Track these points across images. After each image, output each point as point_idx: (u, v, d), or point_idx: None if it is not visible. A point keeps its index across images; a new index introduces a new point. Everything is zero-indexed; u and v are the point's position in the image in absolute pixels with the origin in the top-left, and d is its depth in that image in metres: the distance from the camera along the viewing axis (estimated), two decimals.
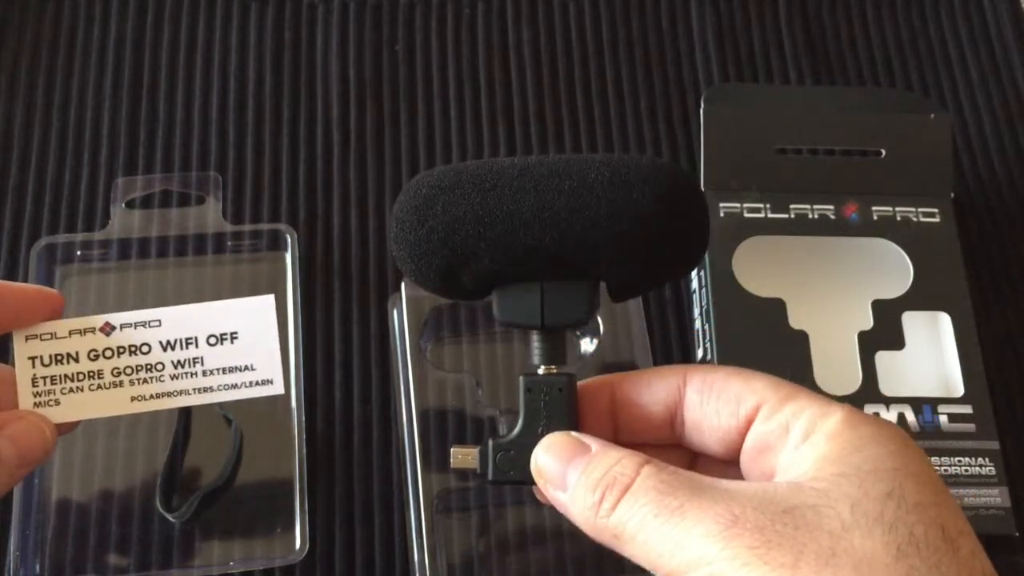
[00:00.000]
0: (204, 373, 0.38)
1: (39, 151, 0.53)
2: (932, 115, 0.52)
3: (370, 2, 0.59)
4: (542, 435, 0.33)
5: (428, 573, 0.43)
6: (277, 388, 0.39)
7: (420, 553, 0.44)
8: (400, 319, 0.48)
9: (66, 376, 0.37)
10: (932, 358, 0.49)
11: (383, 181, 0.54)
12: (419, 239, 0.33)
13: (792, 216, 0.50)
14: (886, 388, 0.47)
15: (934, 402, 0.47)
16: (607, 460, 0.30)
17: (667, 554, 0.27)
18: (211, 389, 0.38)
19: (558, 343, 0.34)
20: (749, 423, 0.31)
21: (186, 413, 0.46)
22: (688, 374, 0.33)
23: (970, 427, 0.46)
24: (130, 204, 0.51)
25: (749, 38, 0.60)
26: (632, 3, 0.60)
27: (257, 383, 0.38)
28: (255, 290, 0.49)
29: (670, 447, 0.34)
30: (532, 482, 0.33)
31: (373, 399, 0.49)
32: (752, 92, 0.56)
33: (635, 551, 0.29)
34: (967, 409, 0.47)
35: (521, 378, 0.34)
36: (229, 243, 0.50)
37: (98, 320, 0.38)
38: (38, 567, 0.43)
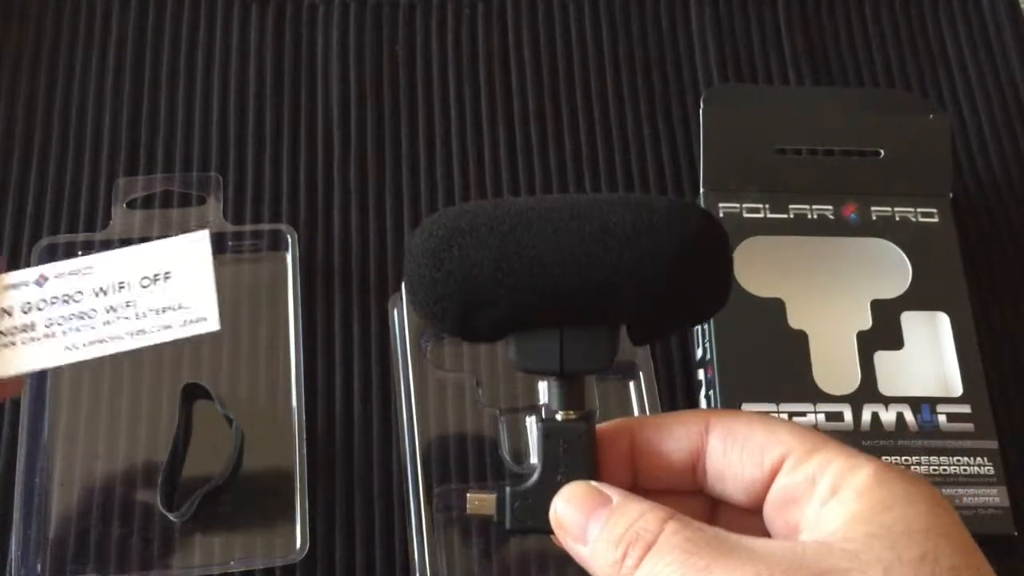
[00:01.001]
0: (137, 316, 0.37)
1: (40, 151, 0.53)
2: (931, 115, 0.52)
3: (370, 3, 0.59)
4: (561, 483, 0.32)
5: (428, 573, 0.43)
6: (212, 325, 0.38)
7: (420, 553, 0.44)
8: (400, 319, 0.48)
9: (0, 332, 0.37)
10: (931, 358, 0.49)
11: (383, 181, 0.54)
12: (435, 283, 0.32)
13: (791, 216, 0.50)
14: (885, 388, 0.47)
15: (933, 402, 0.47)
16: (629, 514, 0.29)
17: None
18: (144, 332, 0.37)
19: (577, 388, 0.33)
20: (774, 474, 0.30)
21: (187, 412, 0.46)
22: (711, 421, 0.32)
23: (969, 427, 0.47)
24: (131, 204, 0.51)
25: (749, 39, 0.60)
26: (632, 4, 0.60)
27: (191, 321, 0.38)
28: (256, 290, 0.49)
29: (691, 494, 0.33)
30: (551, 531, 0.32)
31: (373, 399, 0.49)
32: (751, 93, 0.56)
33: None
34: (966, 409, 0.47)
35: (539, 424, 0.33)
36: (230, 243, 0.50)
37: (33, 273, 0.37)
38: (39, 566, 0.44)
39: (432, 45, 0.58)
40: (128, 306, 0.37)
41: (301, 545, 0.44)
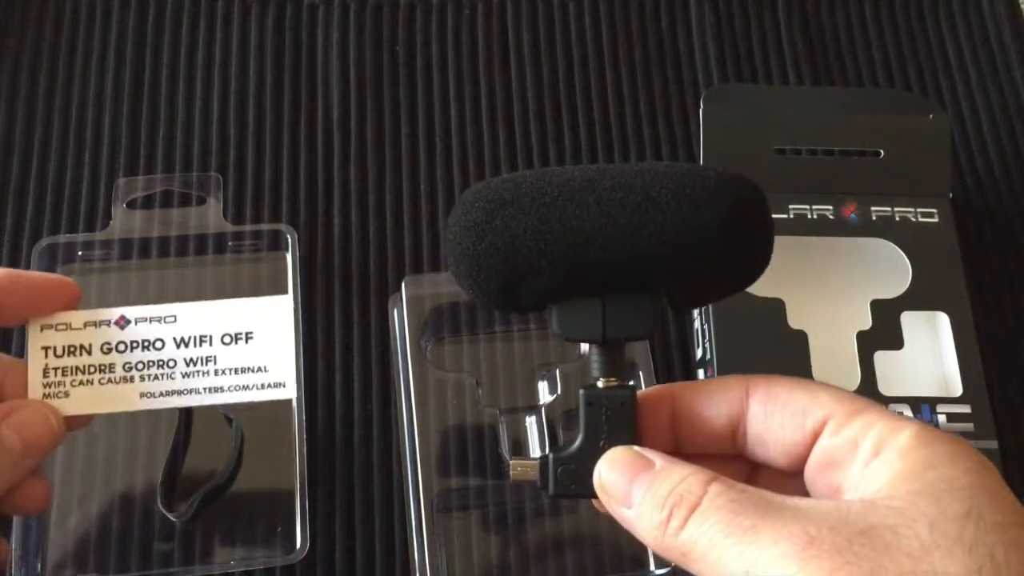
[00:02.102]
0: (216, 372, 0.37)
1: (40, 151, 0.54)
2: (931, 116, 0.52)
3: (370, 3, 0.59)
4: (604, 449, 0.32)
5: (428, 573, 0.43)
6: (289, 392, 0.38)
7: (420, 553, 0.44)
8: (400, 319, 0.48)
9: (77, 368, 0.37)
10: (931, 358, 0.49)
11: (383, 181, 0.54)
12: (478, 255, 0.32)
13: (791, 216, 0.50)
14: (885, 388, 0.47)
15: (932, 402, 0.47)
16: (673, 477, 0.30)
17: (740, 574, 0.27)
18: (222, 389, 0.37)
19: (618, 355, 0.33)
20: (815, 437, 0.31)
21: (187, 412, 0.46)
22: (751, 386, 0.32)
23: (968, 427, 0.47)
24: (131, 204, 0.51)
25: (748, 39, 0.60)
26: (632, 4, 0.60)
27: (269, 385, 0.38)
28: (256, 290, 0.49)
29: (731, 458, 0.33)
30: (594, 496, 0.32)
31: (373, 399, 0.49)
32: (751, 93, 0.56)
33: (705, 570, 0.28)
34: (965, 409, 0.47)
35: (582, 392, 0.33)
36: (230, 243, 0.50)
37: (114, 313, 0.37)
38: (39, 566, 0.44)
39: (432, 45, 0.58)
40: (208, 361, 0.37)
41: (301, 545, 0.44)
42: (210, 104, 0.55)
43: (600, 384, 0.33)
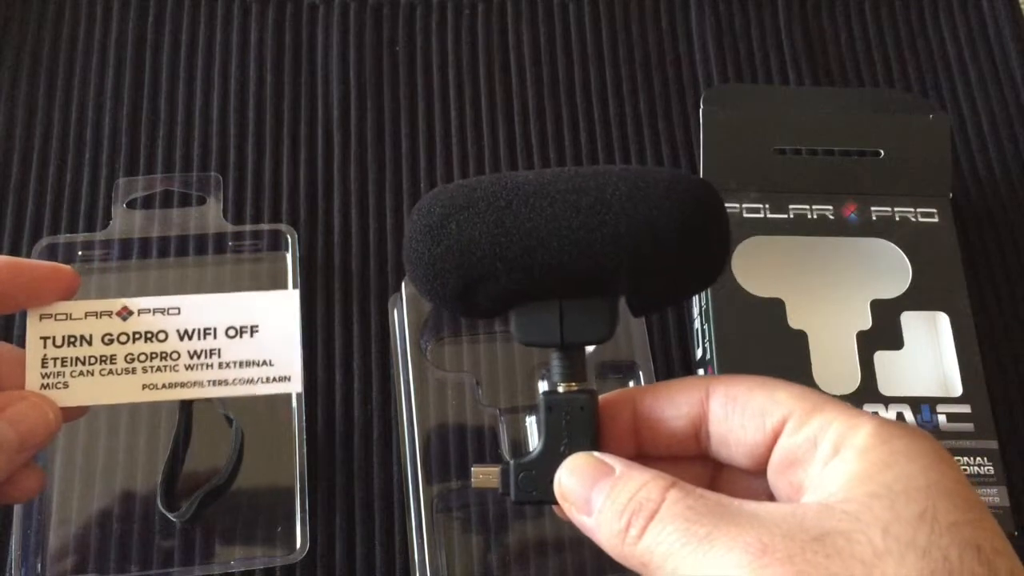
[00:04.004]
0: (220, 365, 0.37)
1: (40, 151, 0.54)
2: (931, 116, 0.52)
3: (370, 3, 0.59)
4: (565, 455, 0.32)
5: (428, 573, 0.43)
6: (295, 386, 0.37)
7: (420, 553, 0.44)
8: (400, 319, 0.48)
9: (77, 359, 0.36)
10: (931, 358, 0.49)
11: (383, 181, 0.54)
12: (434, 259, 0.32)
13: (791, 216, 0.50)
14: (885, 388, 0.47)
15: (932, 402, 0.47)
16: (632, 484, 0.29)
17: None
18: (226, 382, 0.37)
19: (578, 360, 0.33)
20: (776, 436, 0.31)
21: (187, 412, 0.46)
22: (711, 387, 0.32)
23: (968, 427, 0.47)
24: (131, 204, 0.51)
25: (748, 39, 0.60)
26: (632, 4, 0.60)
27: (274, 379, 0.37)
28: (256, 289, 0.49)
29: (695, 459, 0.33)
30: (555, 502, 0.32)
31: (373, 399, 0.49)
32: (751, 93, 0.56)
33: None
34: (965, 409, 0.47)
35: (542, 396, 0.33)
36: (230, 243, 0.50)
37: (116, 304, 0.37)
38: (39, 566, 0.44)
39: (432, 45, 0.58)
40: (212, 354, 0.37)
41: (301, 545, 0.44)
42: (210, 104, 0.55)
43: (560, 389, 0.33)
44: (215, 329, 0.37)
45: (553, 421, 0.33)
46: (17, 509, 0.44)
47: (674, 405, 0.33)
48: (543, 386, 0.48)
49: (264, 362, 0.37)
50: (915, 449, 0.28)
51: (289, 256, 0.50)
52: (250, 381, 0.37)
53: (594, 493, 0.30)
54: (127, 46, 0.57)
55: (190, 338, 0.37)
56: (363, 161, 0.54)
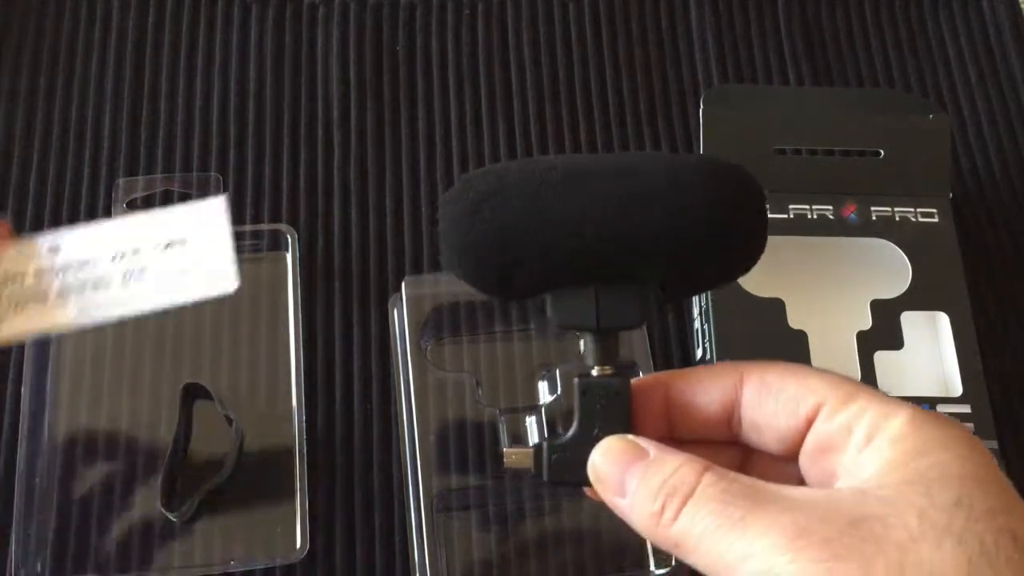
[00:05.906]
0: (155, 279, 0.37)
1: (40, 152, 0.54)
2: (931, 116, 0.52)
3: (370, 3, 0.59)
4: (598, 437, 0.32)
5: (428, 573, 0.43)
6: (230, 285, 0.37)
7: (420, 553, 0.44)
8: (400, 319, 0.48)
9: (10, 297, 0.37)
10: (931, 358, 0.49)
11: (383, 181, 0.54)
12: (468, 244, 0.32)
13: (791, 216, 0.50)
14: (885, 388, 0.47)
15: (933, 402, 0.47)
16: (666, 467, 0.30)
17: (732, 565, 0.27)
18: (162, 293, 0.37)
19: (612, 344, 0.33)
20: (809, 423, 0.31)
21: (188, 413, 0.46)
22: (745, 373, 0.32)
23: (968, 427, 0.46)
24: (131, 204, 0.51)
25: (748, 39, 0.60)
26: (632, 4, 0.60)
27: (209, 282, 0.37)
28: (256, 290, 0.49)
29: (726, 444, 0.33)
30: (588, 484, 0.32)
31: (373, 399, 0.49)
32: (751, 93, 0.56)
33: (698, 560, 0.28)
34: (966, 409, 0.47)
35: (576, 380, 0.33)
36: None
37: (45, 240, 0.37)
38: (39, 566, 0.44)
39: (432, 45, 0.58)
40: (144, 271, 0.37)
41: (301, 545, 0.44)
42: (210, 104, 0.55)
43: (595, 373, 0.33)
44: (143, 248, 0.37)
45: (587, 404, 0.33)
46: (18, 508, 0.44)
47: (707, 390, 0.33)
48: (544, 387, 0.48)
49: (198, 269, 0.37)
50: (949, 438, 0.28)
51: (289, 256, 0.50)
52: (186, 288, 0.37)
53: (628, 476, 0.30)
54: (127, 46, 0.57)
55: (121, 259, 0.37)
56: (363, 161, 0.54)
